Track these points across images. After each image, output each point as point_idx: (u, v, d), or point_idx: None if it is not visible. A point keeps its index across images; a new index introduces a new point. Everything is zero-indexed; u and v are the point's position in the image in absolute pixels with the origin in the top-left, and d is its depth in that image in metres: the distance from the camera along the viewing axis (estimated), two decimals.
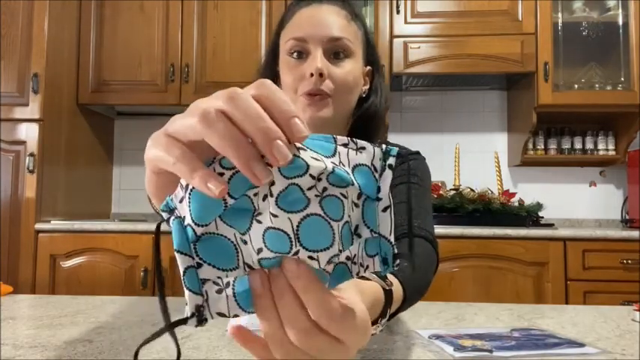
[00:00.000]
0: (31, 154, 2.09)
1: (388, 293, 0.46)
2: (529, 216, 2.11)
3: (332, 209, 0.31)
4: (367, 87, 0.90)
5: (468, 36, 2.27)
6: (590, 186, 2.56)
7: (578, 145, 2.42)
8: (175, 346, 0.33)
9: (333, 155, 0.32)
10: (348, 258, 0.34)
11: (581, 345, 0.53)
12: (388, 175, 0.33)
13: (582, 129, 2.44)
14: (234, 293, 0.32)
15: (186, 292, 0.31)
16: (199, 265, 0.31)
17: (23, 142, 2.11)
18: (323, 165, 0.30)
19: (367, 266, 0.35)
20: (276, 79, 0.88)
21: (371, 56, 0.90)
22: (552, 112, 2.30)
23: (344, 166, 0.32)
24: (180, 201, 0.31)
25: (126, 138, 2.71)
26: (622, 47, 2.31)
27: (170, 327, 0.32)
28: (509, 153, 2.59)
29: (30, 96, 2.12)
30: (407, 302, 0.55)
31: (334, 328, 0.32)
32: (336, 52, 0.81)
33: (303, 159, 0.30)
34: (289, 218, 0.31)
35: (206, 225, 0.31)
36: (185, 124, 0.30)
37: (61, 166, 2.25)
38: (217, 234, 0.32)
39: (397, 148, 0.33)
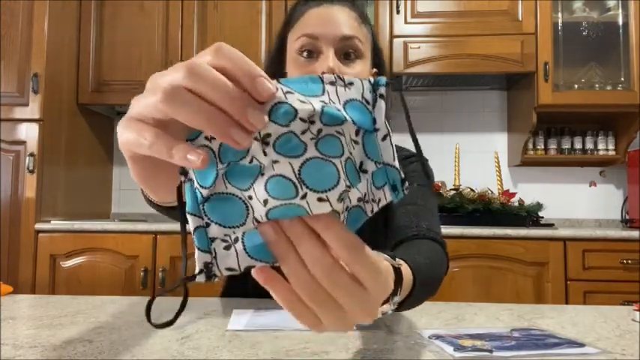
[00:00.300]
0: (31, 154, 2.09)
1: (398, 272, 0.46)
2: (529, 216, 2.11)
3: (330, 149, 0.32)
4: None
5: (468, 36, 2.27)
6: (590, 186, 2.56)
7: (578, 145, 2.42)
8: (183, 298, 0.36)
9: (322, 94, 0.32)
10: (359, 199, 0.35)
11: (581, 345, 0.53)
12: (381, 105, 0.33)
13: (582, 129, 2.44)
14: (244, 247, 0.33)
15: (196, 251, 0.33)
16: (208, 225, 0.33)
17: (23, 142, 2.11)
18: (310, 107, 0.31)
19: (379, 199, 0.35)
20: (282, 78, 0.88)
21: (377, 60, 0.91)
22: (552, 112, 2.30)
23: (334, 103, 0.32)
24: None
25: None
26: (622, 47, 2.31)
27: (181, 283, 0.34)
28: (509, 153, 2.59)
29: (30, 96, 2.12)
30: (416, 292, 0.55)
31: (356, 262, 0.33)
32: (347, 52, 0.81)
33: (290, 104, 0.30)
34: (290, 163, 0.31)
35: (210, 187, 0.32)
36: (149, 104, 0.30)
37: (61, 166, 2.25)
38: (227, 193, 0.33)
39: (385, 78, 0.33)
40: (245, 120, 0.29)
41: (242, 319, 0.64)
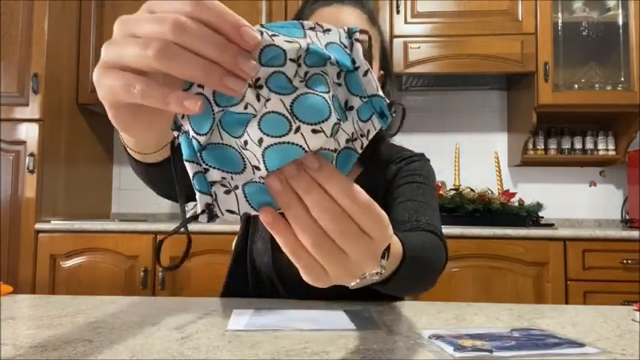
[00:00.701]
0: (31, 154, 2.09)
1: None
2: (529, 216, 2.11)
3: (318, 85, 0.33)
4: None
5: (468, 36, 2.27)
6: (590, 186, 2.56)
7: (578, 145, 2.42)
8: (186, 237, 0.37)
9: (304, 37, 0.33)
10: (347, 140, 0.36)
11: (581, 345, 0.53)
12: (359, 47, 0.35)
13: (582, 129, 2.44)
14: (244, 194, 0.35)
15: (197, 193, 0.34)
16: (206, 170, 0.34)
17: (23, 142, 2.11)
18: (297, 45, 0.32)
19: (368, 131, 0.37)
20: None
21: (385, 62, 0.91)
22: (552, 112, 2.30)
23: (316, 44, 0.34)
24: (182, 117, 0.33)
25: None
26: (622, 47, 2.31)
27: (185, 222, 0.35)
28: (509, 153, 2.59)
29: (30, 96, 2.12)
30: (406, 267, 0.54)
31: (361, 210, 0.34)
32: None
33: (277, 45, 0.31)
34: (281, 100, 0.32)
35: (207, 134, 0.33)
36: (135, 56, 0.30)
37: (61, 166, 2.25)
38: (222, 144, 0.34)
39: (359, 27, 0.35)
40: (238, 69, 0.30)
41: (242, 319, 0.64)
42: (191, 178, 0.34)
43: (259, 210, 0.35)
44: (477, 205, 2.06)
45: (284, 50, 0.31)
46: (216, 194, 0.34)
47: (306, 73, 0.33)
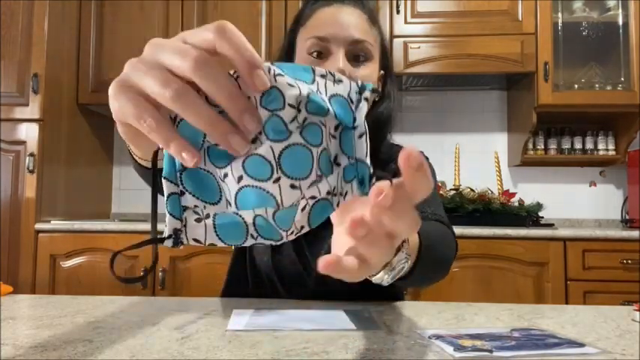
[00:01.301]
0: (31, 154, 2.09)
1: None
2: (529, 216, 2.11)
3: (312, 136, 0.33)
4: (379, 91, 0.90)
5: (468, 36, 2.27)
6: (590, 186, 2.56)
7: (578, 145, 2.42)
8: (152, 257, 0.36)
9: (311, 83, 0.33)
10: (328, 192, 0.36)
11: (581, 345, 0.53)
12: (364, 106, 0.34)
13: (582, 129, 2.44)
14: (214, 225, 0.34)
15: (167, 216, 0.34)
16: (182, 194, 0.34)
17: (23, 142, 2.11)
18: (297, 91, 0.32)
19: (346, 193, 0.36)
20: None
21: (385, 62, 0.91)
22: (552, 112, 2.30)
23: (321, 94, 0.33)
24: None
25: None
26: (622, 47, 2.31)
27: (148, 242, 0.34)
28: (509, 153, 2.59)
29: (30, 96, 2.12)
30: (424, 255, 0.54)
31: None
32: (356, 54, 0.81)
33: (278, 88, 0.31)
34: (271, 147, 0.32)
35: None
36: (153, 89, 0.31)
37: (61, 166, 2.25)
38: (204, 169, 0.34)
39: (372, 84, 0.35)
40: (242, 124, 0.31)
41: (242, 319, 0.64)
42: (165, 197, 0.34)
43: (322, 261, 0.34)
44: (476, 205, 2.07)
45: (283, 95, 0.32)
46: (186, 220, 0.34)
47: (304, 119, 0.33)
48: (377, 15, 0.89)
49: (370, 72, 0.83)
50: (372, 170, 0.35)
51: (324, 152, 0.34)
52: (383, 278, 0.45)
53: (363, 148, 0.35)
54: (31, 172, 2.09)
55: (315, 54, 0.81)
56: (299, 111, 0.32)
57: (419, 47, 2.28)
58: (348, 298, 0.77)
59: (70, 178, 2.32)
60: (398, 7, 2.31)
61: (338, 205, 0.36)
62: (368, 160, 0.35)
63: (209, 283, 1.97)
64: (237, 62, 0.30)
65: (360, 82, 0.35)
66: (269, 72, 0.31)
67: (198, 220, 0.34)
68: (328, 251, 0.81)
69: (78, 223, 2.12)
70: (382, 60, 0.89)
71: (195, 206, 0.34)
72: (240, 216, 0.35)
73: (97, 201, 2.59)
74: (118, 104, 0.33)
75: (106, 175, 2.68)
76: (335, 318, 0.65)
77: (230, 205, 0.35)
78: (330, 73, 0.34)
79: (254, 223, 0.36)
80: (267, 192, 0.33)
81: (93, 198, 2.54)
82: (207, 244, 0.35)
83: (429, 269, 0.62)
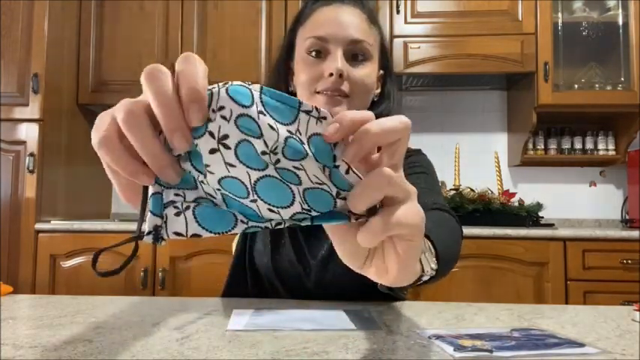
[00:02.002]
0: (31, 154, 2.09)
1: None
2: (529, 216, 2.11)
3: (288, 177, 0.33)
4: (379, 91, 0.90)
5: (467, 36, 2.27)
6: (590, 186, 2.56)
7: (578, 145, 2.42)
8: (131, 253, 0.38)
9: (293, 122, 0.32)
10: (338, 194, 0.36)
11: (581, 345, 0.53)
12: (343, 146, 0.34)
13: (582, 129, 2.44)
14: (194, 214, 0.35)
15: (148, 214, 0.34)
16: (162, 192, 0.34)
17: (23, 142, 2.11)
18: (275, 136, 0.31)
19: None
20: (289, 75, 0.88)
21: (385, 61, 0.91)
22: (552, 112, 2.30)
23: (300, 134, 0.33)
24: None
25: None
26: (622, 47, 2.31)
27: (129, 240, 0.36)
28: (509, 153, 2.59)
29: (30, 96, 2.12)
30: (440, 265, 0.55)
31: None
32: (355, 54, 0.81)
33: (258, 125, 0.31)
34: (247, 172, 0.32)
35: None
36: (95, 142, 0.33)
37: (61, 166, 2.25)
38: (186, 170, 0.34)
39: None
40: (162, 177, 0.33)
41: (242, 319, 0.64)
42: (148, 196, 0.34)
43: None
44: (476, 205, 2.07)
45: (262, 132, 0.31)
46: (167, 216, 0.34)
47: (277, 161, 0.32)
48: (377, 15, 0.89)
49: (369, 72, 0.83)
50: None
51: (312, 191, 0.34)
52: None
53: (354, 179, 0.34)
54: (31, 172, 2.09)
55: (313, 53, 0.81)
56: (274, 153, 0.32)
57: (419, 47, 2.28)
58: (348, 298, 0.77)
59: (70, 178, 2.32)
60: (398, 7, 2.31)
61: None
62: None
63: (209, 283, 1.97)
64: (157, 114, 0.31)
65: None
66: (252, 105, 0.31)
67: (177, 214, 0.34)
68: (328, 251, 0.81)
69: (78, 223, 2.12)
70: (382, 60, 0.89)
71: (176, 195, 0.35)
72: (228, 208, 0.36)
73: (97, 201, 2.59)
74: (105, 160, 0.35)
75: (106, 175, 2.66)
76: (335, 318, 0.65)
77: (215, 197, 0.35)
78: (317, 109, 0.33)
79: (242, 213, 0.36)
80: (248, 206, 0.34)
81: (93, 198, 2.53)
82: (189, 235, 0.35)
83: (442, 273, 0.62)
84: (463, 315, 0.69)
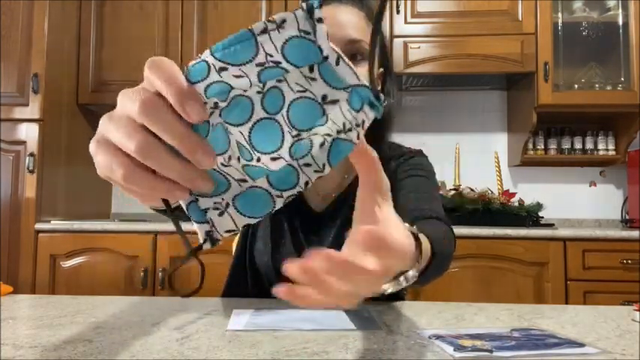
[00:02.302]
0: (31, 154, 2.09)
1: (416, 238, 0.47)
2: (529, 216, 2.11)
3: (274, 101, 0.33)
4: (379, 89, 0.90)
5: (467, 36, 2.27)
6: (590, 186, 2.56)
7: (578, 145, 2.42)
8: (200, 266, 0.42)
9: (257, 54, 0.30)
10: (339, 131, 0.34)
11: (581, 345, 0.53)
12: (322, 29, 0.31)
13: (582, 129, 2.44)
14: (237, 209, 0.36)
15: (195, 224, 0.35)
16: (197, 200, 0.36)
17: (23, 142, 2.11)
18: (247, 81, 0.31)
19: (363, 121, 0.35)
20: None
21: (385, 59, 0.91)
22: (552, 112, 2.30)
23: (271, 57, 0.31)
24: None
25: None
26: (622, 47, 2.31)
27: (191, 254, 0.37)
28: (509, 153, 2.59)
29: (30, 96, 2.12)
30: (435, 263, 0.56)
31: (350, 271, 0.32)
32: (353, 54, 0.81)
33: (226, 82, 0.31)
34: (240, 131, 0.33)
35: None
36: (122, 142, 0.32)
37: (61, 166, 2.25)
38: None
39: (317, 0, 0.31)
40: (196, 162, 0.32)
41: (242, 319, 0.64)
42: (186, 210, 0.35)
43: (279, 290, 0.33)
44: (476, 205, 2.06)
45: (231, 87, 0.31)
46: (212, 220, 0.35)
47: (263, 85, 0.32)
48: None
49: (368, 71, 0.83)
50: (369, 86, 0.33)
51: (296, 104, 0.33)
52: (387, 290, 0.45)
53: (348, 72, 0.33)
54: (31, 172, 2.09)
55: None
56: (252, 86, 0.32)
57: (419, 47, 2.28)
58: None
59: (70, 178, 2.32)
60: (398, 7, 2.31)
61: (358, 137, 0.35)
62: (364, 81, 0.33)
63: (209, 283, 1.95)
64: (168, 96, 0.30)
65: (304, 5, 0.30)
66: (209, 70, 0.30)
67: (221, 214, 0.36)
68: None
69: (78, 223, 2.12)
70: (381, 58, 0.89)
71: (215, 202, 0.36)
72: (257, 186, 0.37)
73: (97, 201, 2.59)
74: (97, 162, 0.34)
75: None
76: (335, 318, 0.65)
77: (246, 181, 0.36)
78: (270, 21, 0.30)
79: (270, 184, 0.37)
80: (258, 167, 0.35)
81: (93, 198, 2.53)
82: (240, 227, 0.36)
83: (433, 275, 0.62)
84: (463, 315, 0.69)
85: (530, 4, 2.26)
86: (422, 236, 0.51)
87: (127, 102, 0.31)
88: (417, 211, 0.78)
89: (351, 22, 0.81)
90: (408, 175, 0.88)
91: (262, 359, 0.48)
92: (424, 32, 2.30)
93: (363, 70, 0.83)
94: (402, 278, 0.45)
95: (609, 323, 0.65)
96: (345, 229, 0.37)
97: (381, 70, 0.90)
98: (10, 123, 2.12)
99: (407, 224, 0.46)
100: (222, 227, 0.36)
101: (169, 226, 2.05)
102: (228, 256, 1.00)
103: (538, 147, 2.43)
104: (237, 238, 1.00)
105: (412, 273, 0.46)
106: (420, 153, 0.96)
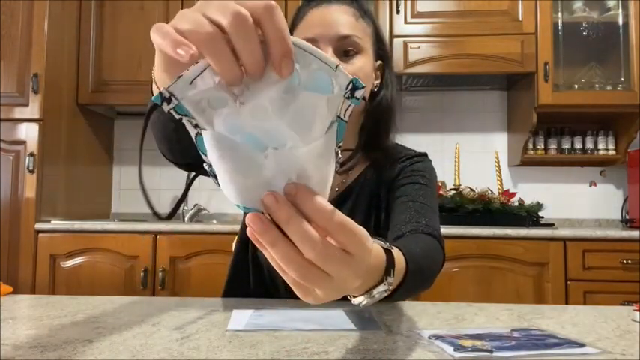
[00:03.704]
0: (31, 154, 2.09)
1: (389, 254, 0.47)
2: (529, 216, 2.11)
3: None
4: (379, 81, 0.92)
5: (467, 36, 2.27)
6: (590, 186, 2.56)
7: (578, 145, 2.42)
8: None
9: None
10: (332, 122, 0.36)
11: (581, 345, 0.53)
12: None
13: (582, 129, 2.44)
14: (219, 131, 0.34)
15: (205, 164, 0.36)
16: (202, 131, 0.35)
17: (23, 142, 2.11)
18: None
19: (349, 105, 0.36)
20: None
21: (381, 51, 0.92)
22: (552, 112, 2.30)
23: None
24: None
25: (126, 138, 2.71)
26: (622, 47, 2.31)
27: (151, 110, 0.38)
28: (509, 153, 2.59)
29: (30, 96, 2.12)
30: (409, 279, 0.56)
31: (336, 229, 0.34)
32: (346, 50, 0.83)
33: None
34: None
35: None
36: (187, 27, 0.32)
37: (61, 166, 2.25)
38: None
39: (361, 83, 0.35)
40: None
41: (242, 319, 0.64)
42: (194, 139, 0.35)
43: (249, 215, 0.34)
44: (476, 205, 2.06)
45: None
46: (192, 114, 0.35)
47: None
48: (367, 6, 0.90)
49: (362, 64, 0.84)
50: (342, 67, 0.34)
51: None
52: (362, 302, 0.46)
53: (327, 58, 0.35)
54: (31, 172, 2.09)
55: None
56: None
57: (419, 47, 2.28)
58: (349, 298, 0.77)
59: (70, 178, 2.32)
60: (398, 7, 2.30)
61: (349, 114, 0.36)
62: (333, 60, 0.34)
63: (209, 283, 1.97)
64: (275, 45, 0.32)
65: (352, 80, 0.34)
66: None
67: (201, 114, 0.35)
68: None
69: (78, 223, 2.12)
70: (378, 50, 0.90)
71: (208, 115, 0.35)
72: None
73: (97, 201, 2.59)
74: (153, 37, 0.34)
75: (106, 175, 2.67)
76: (335, 318, 0.65)
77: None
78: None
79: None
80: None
81: (93, 198, 2.53)
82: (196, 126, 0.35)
83: (411, 290, 0.64)
84: (463, 315, 0.69)
85: (530, 4, 2.26)
86: (396, 252, 0.52)
87: (211, 9, 0.32)
88: (412, 223, 0.79)
89: (339, 20, 0.83)
90: (410, 181, 0.89)
91: (262, 359, 0.48)
92: (424, 32, 2.30)
93: (358, 62, 0.84)
94: (375, 291, 0.45)
95: (609, 323, 0.65)
96: None
97: (379, 62, 0.91)
98: (10, 123, 2.12)
99: (380, 240, 0.47)
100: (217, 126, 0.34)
101: (169, 226, 2.05)
102: (228, 255, 1.00)
103: (538, 147, 2.43)
104: (236, 238, 1.00)
105: (382, 287, 0.46)
106: (425, 157, 0.97)
